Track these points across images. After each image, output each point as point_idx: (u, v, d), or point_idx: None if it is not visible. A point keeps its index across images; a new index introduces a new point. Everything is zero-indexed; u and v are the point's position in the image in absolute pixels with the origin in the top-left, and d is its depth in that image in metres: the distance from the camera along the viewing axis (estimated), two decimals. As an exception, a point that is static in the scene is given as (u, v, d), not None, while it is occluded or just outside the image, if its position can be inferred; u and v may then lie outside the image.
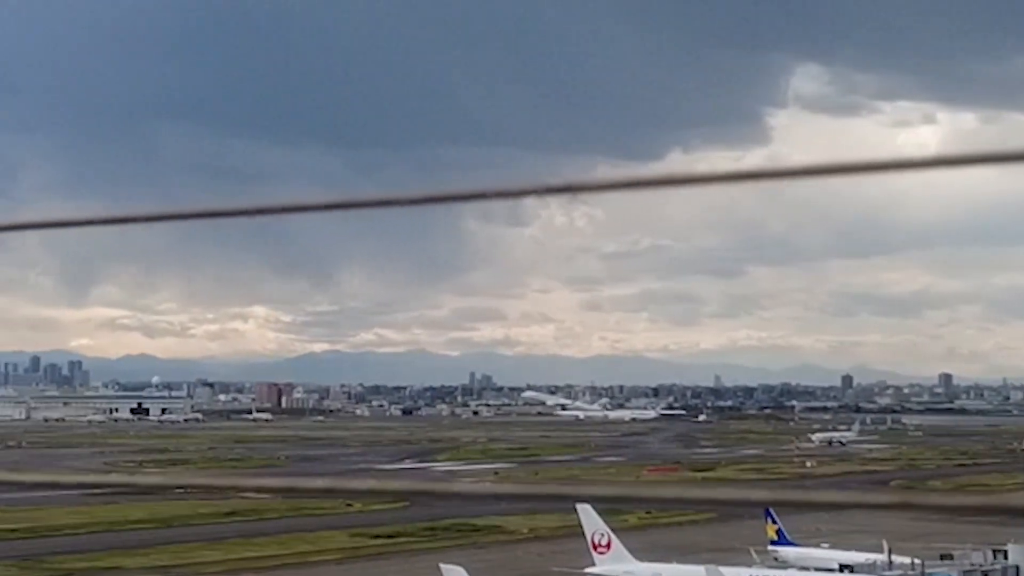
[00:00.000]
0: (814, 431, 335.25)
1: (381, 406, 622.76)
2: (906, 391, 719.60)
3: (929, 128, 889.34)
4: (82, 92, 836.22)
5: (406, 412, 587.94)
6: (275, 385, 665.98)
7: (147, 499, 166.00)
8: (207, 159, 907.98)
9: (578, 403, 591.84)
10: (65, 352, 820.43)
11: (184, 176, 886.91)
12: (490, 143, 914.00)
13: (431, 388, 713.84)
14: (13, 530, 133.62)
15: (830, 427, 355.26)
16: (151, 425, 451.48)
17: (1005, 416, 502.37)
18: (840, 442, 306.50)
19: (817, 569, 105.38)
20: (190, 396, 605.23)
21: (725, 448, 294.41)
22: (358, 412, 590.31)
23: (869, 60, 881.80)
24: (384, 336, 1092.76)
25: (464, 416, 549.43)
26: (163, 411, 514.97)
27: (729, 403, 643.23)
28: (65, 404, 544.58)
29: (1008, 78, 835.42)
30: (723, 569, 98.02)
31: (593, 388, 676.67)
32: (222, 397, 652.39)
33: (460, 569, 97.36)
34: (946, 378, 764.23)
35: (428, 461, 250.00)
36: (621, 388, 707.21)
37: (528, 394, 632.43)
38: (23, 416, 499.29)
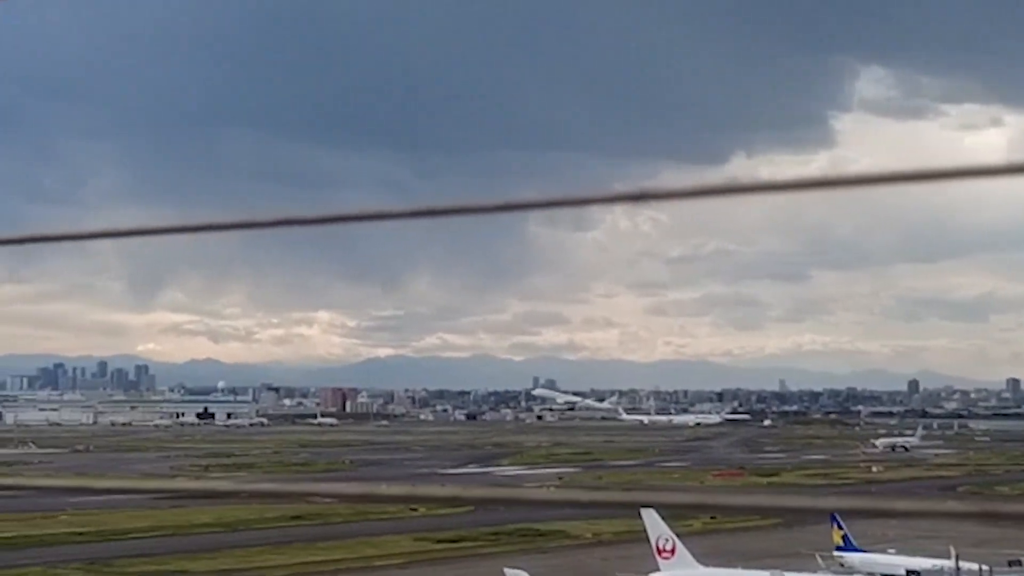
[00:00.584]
0: (880, 436, 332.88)
1: (445, 410, 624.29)
2: (973, 396, 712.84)
3: (996, 131, 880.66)
4: (151, 99, 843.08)
5: (470, 417, 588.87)
6: (340, 390, 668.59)
7: (213, 503, 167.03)
8: (272, 165, 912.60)
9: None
10: (132, 357, 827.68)
11: (249, 182, 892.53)
12: (555, 147, 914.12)
13: (495, 392, 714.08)
14: (80, 533, 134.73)
15: (896, 432, 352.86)
16: (217, 429, 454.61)
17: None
18: (904, 447, 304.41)
19: (883, 575, 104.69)
20: (255, 401, 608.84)
21: (790, 453, 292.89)
22: (422, 417, 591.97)
23: (935, 63, 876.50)
24: (448, 341, 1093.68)
25: (528, 421, 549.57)
26: (229, 415, 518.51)
27: (794, 408, 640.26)
28: (132, 408, 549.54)
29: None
30: (788, 575, 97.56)
31: (657, 393, 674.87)
32: (287, 402, 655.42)
33: (524, 574, 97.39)
34: (1013, 383, 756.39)
35: (492, 465, 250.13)
36: (685, 393, 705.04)
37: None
38: (91, 420, 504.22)
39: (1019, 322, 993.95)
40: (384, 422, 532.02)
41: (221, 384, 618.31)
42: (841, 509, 4.64)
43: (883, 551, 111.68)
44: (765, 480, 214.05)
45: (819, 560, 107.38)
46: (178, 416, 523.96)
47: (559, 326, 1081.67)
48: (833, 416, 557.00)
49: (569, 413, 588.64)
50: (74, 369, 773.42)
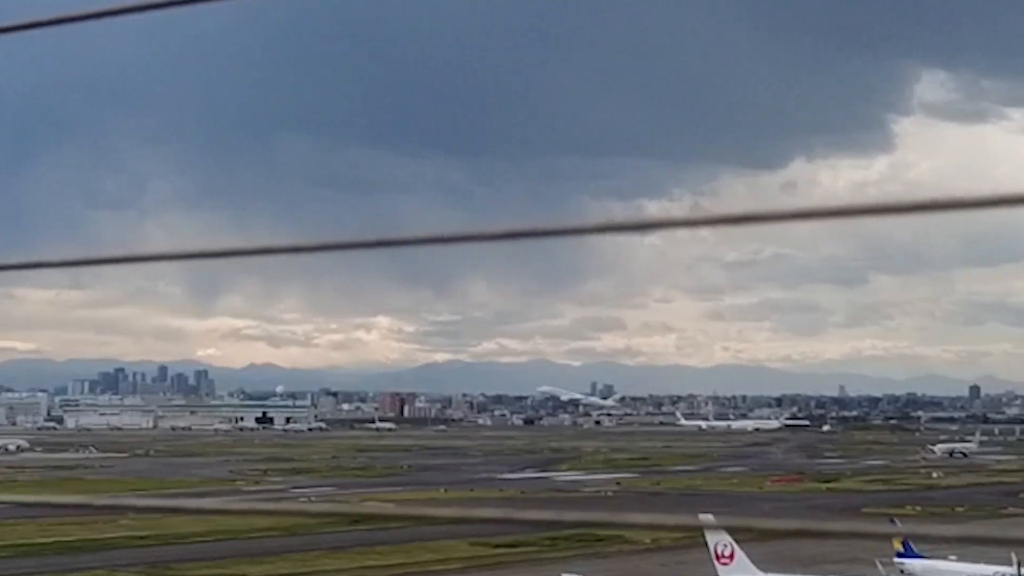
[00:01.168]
0: (939, 442, 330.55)
1: (503, 415, 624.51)
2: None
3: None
4: (209, 105, 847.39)
5: (528, 422, 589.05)
6: (398, 395, 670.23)
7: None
8: (329, 170, 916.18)
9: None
10: (192, 362, 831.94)
11: (306, 187, 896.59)
12: (613, 152, 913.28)
13: (553, 397, 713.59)
14: (141, 537, 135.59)
15: (956, 438, 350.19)
16: (276, 434, 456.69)
17: None
18: (962, 453, 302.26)
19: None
20: (314, 405, 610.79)
21: (850, 459, 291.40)
22: (480, 422, 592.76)
23: (997, 66, 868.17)
24: (506, 346, 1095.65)
25: (586, 426, 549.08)
26: (287, 420, 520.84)
27: (853, 413, 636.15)
28: (192, 413, 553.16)
29: None
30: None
31: (715, 398, 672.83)
32: (345, 406, 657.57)
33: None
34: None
35: (550, 471, 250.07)
36: (743, 398, 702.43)
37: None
38: (151, 425, 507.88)
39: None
40: (442, 427, 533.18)
41: (280, 389, 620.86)
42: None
43: (944, 558, 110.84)
44: (824, 486, 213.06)
45: (879, 567, 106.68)
46: (237, 421, 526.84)
47: (617, 331, 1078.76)
48: (893, 422, 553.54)
49: (627, 418, 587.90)
50: (134, 374, 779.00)
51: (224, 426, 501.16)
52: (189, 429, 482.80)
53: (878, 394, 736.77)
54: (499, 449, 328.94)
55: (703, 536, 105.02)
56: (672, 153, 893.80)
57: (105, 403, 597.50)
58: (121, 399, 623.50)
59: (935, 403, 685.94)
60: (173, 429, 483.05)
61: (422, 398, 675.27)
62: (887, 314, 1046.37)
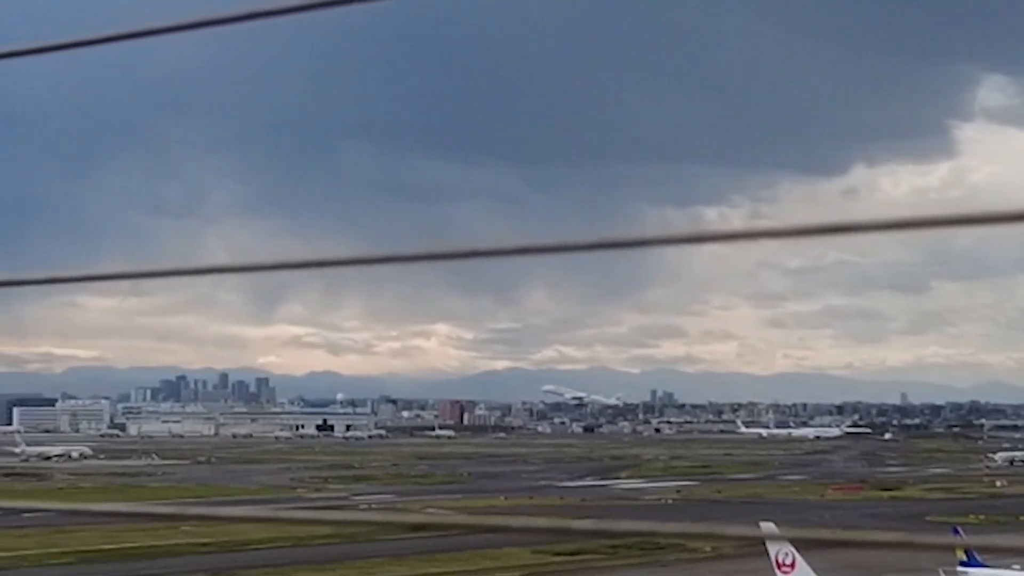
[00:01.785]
0: (1002, 450, 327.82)
1: (563, 423, 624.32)
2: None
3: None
4: (268, 112, 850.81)
5: (587, 429, 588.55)
6: (457, 402, 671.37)
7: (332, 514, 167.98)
8: (386, 177, 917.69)
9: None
10: (252, 369, 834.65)
11: (364, 194, 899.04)
12: (670, 159, 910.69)
13: (613, 405, 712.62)
14: (204, 544, 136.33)
15: (1020, 446, 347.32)
16: (336, 441, 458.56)
17: None
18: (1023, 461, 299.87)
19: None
20: (374, 413, 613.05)
21: (912, 467, 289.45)
22: (539, 429, 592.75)
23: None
24: (565, 353, 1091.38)
25: (646, 433, 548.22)
26: (348, 427, 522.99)
27: (916, 421, 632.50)
28: (253, 420, 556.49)
29: None
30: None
31: (776, 406, 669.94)
32: (405, 414, 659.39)
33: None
34: None
35: (609, 478, 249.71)
36: (804, 406, 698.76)
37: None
38: (212, 432, 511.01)
39: None
40: (501, 434, 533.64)
41: (340, 396, 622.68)
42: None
43: (1008, 567, 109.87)
44: (886, 494, 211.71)
45: (942, 575, 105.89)
46: (298, 428, 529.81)
47: (677, 339, 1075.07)
48: (956, 430, 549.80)
49: (687, 426, 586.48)
50: (196, 381, 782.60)
51: (285, 433, 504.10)
52: (250, 436, 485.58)
53: (940, 402, 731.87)
54: (558, 457, 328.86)
55: (764, 544, 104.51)
56: (731, 159, 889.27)
57: (167, 410, 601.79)
58: (183, 406, 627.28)
59: (999, 411, 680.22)
60: (234, 436, 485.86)
61: (481, 405, 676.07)
62: (950, 321, 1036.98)
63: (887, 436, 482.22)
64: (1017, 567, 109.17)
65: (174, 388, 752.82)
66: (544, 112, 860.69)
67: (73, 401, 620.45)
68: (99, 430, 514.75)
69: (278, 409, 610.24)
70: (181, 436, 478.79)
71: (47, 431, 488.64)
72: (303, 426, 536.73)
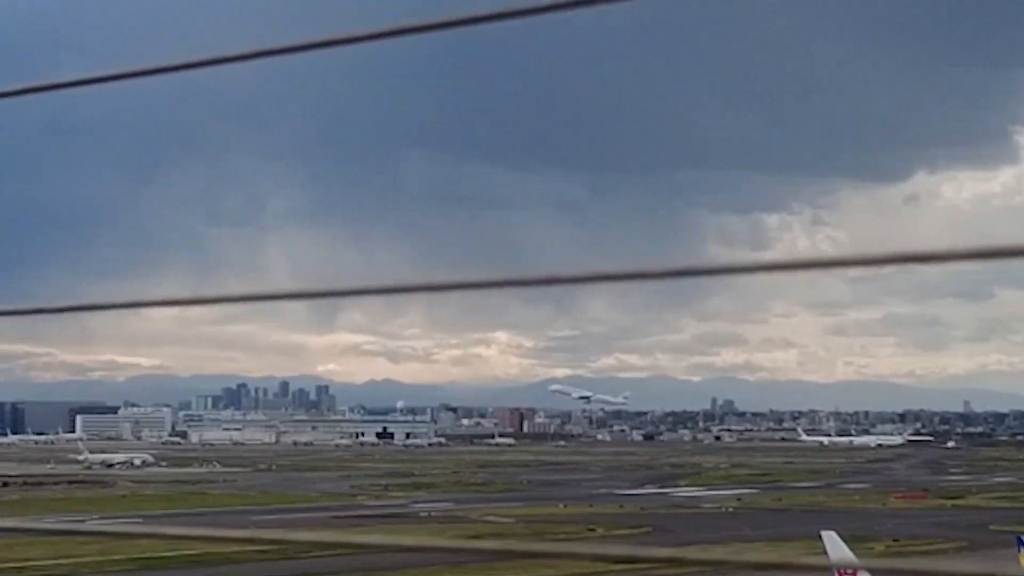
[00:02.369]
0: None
1: (622, 431, 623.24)
2: None
3: None
4: (328, 121, 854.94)
5: (647, 437, 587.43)
6: (517, 410, 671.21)
7: (390, 522, 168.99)
8: (446, 186, 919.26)
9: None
10: (313, 377, 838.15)
11: (423, 203, 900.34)
12: (730, 166, 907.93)
13: (673, 413, 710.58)
14: (263, 552, 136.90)
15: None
16: (396, 449, 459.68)
17: None
18: None
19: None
20: (434, 421, 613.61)
21: (975, 475, 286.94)
22: (599, 437, 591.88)
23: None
24: (625, 361, 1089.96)
25: (706, 441, 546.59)
26: (408, 435, 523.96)
27: (979, 429, 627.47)
28: (313, 428, 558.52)
29: None
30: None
31: (837, 414, 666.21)
32: (465, 422, 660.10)
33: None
34: None
35: (669, 486, 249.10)
36: (866, 414, 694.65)
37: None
38: (273, 440, 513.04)
39: None
40: (561, 442, 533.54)
41: (400, 404, 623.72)
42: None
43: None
44: (949, 503, 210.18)
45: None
46: (358, 436, 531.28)
47: (737, 347, 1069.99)
48: (1020, 438, 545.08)
49: (748, 434, 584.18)
50: (256, 389, 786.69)
51: (345, 441, 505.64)
52: (311, 444, 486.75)
53: (1004, 410, 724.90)
54: (618, 464, 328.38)
55: (826, 556, 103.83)
56: (791, 166, 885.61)
57: (228, 418, 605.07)
58: (244, 414, 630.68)
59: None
60: (295, 444, 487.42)
61: (541, 413, 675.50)
62: (1014, 328, 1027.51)
63: (950, 444, 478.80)
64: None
65: (235, 396, 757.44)
66: (605, 120, 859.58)
67: (135, 409, 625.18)
68: (160, 438, 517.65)
69: (338, 417, 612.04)
70: (242, 444, 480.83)
71: (109, 439, 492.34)
72: (363, 434, 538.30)
